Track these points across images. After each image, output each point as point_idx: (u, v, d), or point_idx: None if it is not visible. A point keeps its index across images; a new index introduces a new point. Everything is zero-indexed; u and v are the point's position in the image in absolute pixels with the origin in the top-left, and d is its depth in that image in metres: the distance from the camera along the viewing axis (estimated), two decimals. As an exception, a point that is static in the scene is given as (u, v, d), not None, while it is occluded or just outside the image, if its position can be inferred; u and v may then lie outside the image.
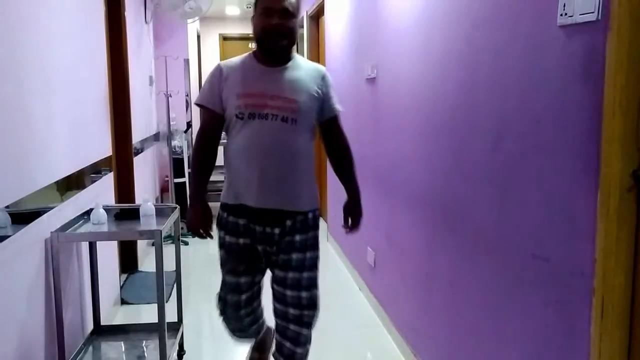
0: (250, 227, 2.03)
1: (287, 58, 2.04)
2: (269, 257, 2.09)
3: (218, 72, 2.05)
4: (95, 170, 2.91)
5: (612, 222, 1.27)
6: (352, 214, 2.23)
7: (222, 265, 2.15)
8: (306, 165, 2.04)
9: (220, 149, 2.30)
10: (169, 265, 2.72)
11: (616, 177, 1.25)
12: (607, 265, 1.29)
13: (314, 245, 2.09)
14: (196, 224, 2.09)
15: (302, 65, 2.07)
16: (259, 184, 1.96)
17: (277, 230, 2.03)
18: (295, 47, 2.07)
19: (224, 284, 2.16)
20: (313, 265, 2.10)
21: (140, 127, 4.45)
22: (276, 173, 1.96)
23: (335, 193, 4.38)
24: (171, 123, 5.13)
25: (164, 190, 5.59)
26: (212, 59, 8.21)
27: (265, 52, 2.01)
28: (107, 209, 2.50)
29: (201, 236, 2.10)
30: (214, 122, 2.05)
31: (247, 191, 1.99)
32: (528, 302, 1.61)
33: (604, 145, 1.27)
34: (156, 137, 5.32)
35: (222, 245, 2.11)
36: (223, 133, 2.10)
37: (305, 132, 2.01)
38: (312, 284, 2.09)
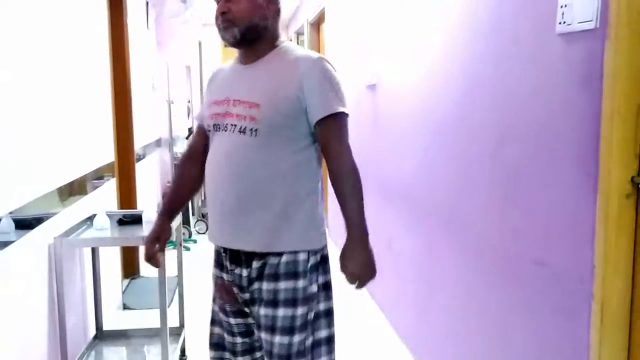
0: (225, 263, 1.62)
1: (262, 50, 1.55)
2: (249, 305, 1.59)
3: (208, 79, 1.73)
4: (98, 176, 2.92)
5: (611, 228, 1.27)
6: (346, 265, 1.54)
7: (213, 298, 1.74)
8: (279, 191, 1.50)
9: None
10: (171, 270, 2.73)
11: (615, 183, 1.26)
12: (607, 271, 1.29)
13: (289, 301, 1.50)
14: (145, 243, 1.70)
15: (284, 57, 1.54)
16: (216, 213, 1.57)
17: (244, 273, 1.55)
18: (273, 33, 1.57)
19: (213, 317, 1.74)
20: (288, 329, 1.50)
21: (142, 133, 4.46)
22: (233, 201, 1.51)
23: (334, 200, 4.36)
24: (173, 129, 5.15)
25: (165, 196, 5.60)
26: (213, 65, 8.23)
27: (233, 47, 1.58)
28: (109, 215, 2.51)
29: (148, 261, 1.71)
30: (198, 135, 1.71)
31: (210, 222, 1.63)
32: (528, 308, 1.62)
33: (602, 152, 1.28)
34: (158, 143, 5.33)
35: (213, 276, 1.72)
36: None
37: (277, 146, 1.49)
38: (288, 355, 1.50)
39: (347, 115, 1.53)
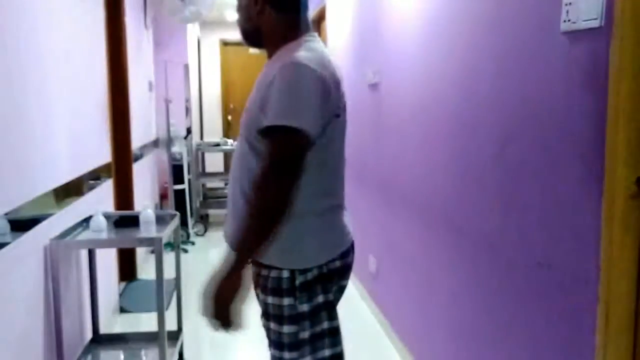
0: None
1: (269, 51, 1.52)
2: None
3: None
4: (95, 176, 2.90)
5: (617, 229, 1.26)
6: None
7: None
8: None
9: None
10: (169, 273, 2.71)
11: (621, 184, 1.25)
12: (612, 273, 1.27)
13: (277, 317, 1.45)
14: None
15: (279, 59, 1.43)
16: None
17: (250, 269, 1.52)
18: (271, 35, 1.49)
19: None
20: (278, 344, 1.47)
21: (140, 133, 4.44)
22: (229, 204, 1.54)
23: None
24: (171, 129, 5.12)
25: (163, 197, 5.58)
26: (212, 64, 8.21)
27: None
28: (106, 216, 2.49)
29: None
30: None
31: None
32: (532, 310, 1.60)
33: (608, 152, 1.26)
34: (155, 143, 5.31)
35: None
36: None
37: (258, 156, 1.42)
38: None
39: (292, 130, 1.31)
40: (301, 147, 1.34)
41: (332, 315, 1.49)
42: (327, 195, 1.49)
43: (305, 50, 1.40)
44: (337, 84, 1.43)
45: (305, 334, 1.45)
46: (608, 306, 1.29)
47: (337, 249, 1.49)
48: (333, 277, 1.48)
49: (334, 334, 1.49)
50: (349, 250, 1.53)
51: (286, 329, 1.44)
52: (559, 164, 1.46)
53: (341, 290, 1.55)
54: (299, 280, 1.42)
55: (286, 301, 1.43)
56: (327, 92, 1.38)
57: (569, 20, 1.37)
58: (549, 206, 1.50)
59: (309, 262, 1.44)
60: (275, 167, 1.33)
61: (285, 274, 1.42)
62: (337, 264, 1.49)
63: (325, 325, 1.47)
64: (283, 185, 1.33)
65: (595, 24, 1.29)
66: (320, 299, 1.45)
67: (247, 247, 1.36)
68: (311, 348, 1.46)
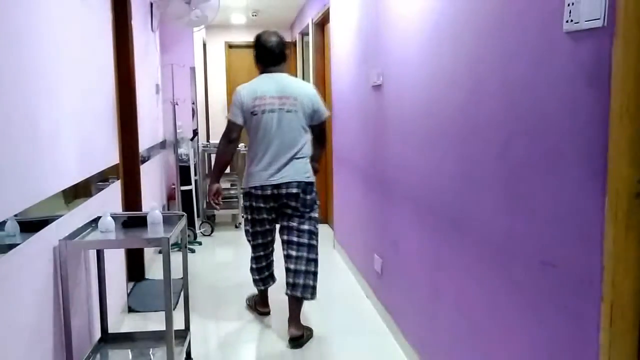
0: None
1: None
2: None
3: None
4: (103, 178, 2.93)
5: (621, 228, 1.26)
6: None
7: None
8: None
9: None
10: (176, 272, 2.73)
11: (624, 183, 1.25)
12: (616, 272, 1.28)
13: None
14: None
15: None
16: None
17: None
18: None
19: None
20: None
21: (147, 135, 4.47)
22: None
23: (341, 202, 4.38)
24: (177, 131, 5.15)
25: (170, 198, 5.61)
26: (218, 67, 8.25)
27: None
28: (114, 217, 2.51)
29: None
30: None
31: None
32: (536, 310, 1.61)
33: (611, 151, 1.27)
34: (163, 145, 5.34)
35: None
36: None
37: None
38: None
39: (228, 119, 3.14)
40: (230, 127, 3.10)
41: (253, 214, 3.13)
42: (254, 157, 3.05)
43: (250, 81, 3.13)
44: (253, 98, 3.02)
45: (245, 216, 3.22)
46: (612, 305, 1.29)
47: (249, 184, 3.06)
48: (252, 196, 3.06)
49: (254, 223, 3.17)
50: (257, 187, 3.03)
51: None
52: (562, 163, 1.46)
53: (266, 209, 3.10)
54: (243, 191, 3.16)
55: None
56: (240, 102, 3.05)
57: (571, 21, 1.38)
58: (553, 205, 1.51)
59: (243, 185, 3.15)
60: (221, 137, 3.17)
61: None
62: (252, 191, 3.04)
63: (249, 215, 3.15)
64: (220, 145, 3.18)
65: (597, 23, 1.29)
66: (247, 202, 3.12)
67: (211, 174, 3.30)
68: (245, 223, 3.24)
